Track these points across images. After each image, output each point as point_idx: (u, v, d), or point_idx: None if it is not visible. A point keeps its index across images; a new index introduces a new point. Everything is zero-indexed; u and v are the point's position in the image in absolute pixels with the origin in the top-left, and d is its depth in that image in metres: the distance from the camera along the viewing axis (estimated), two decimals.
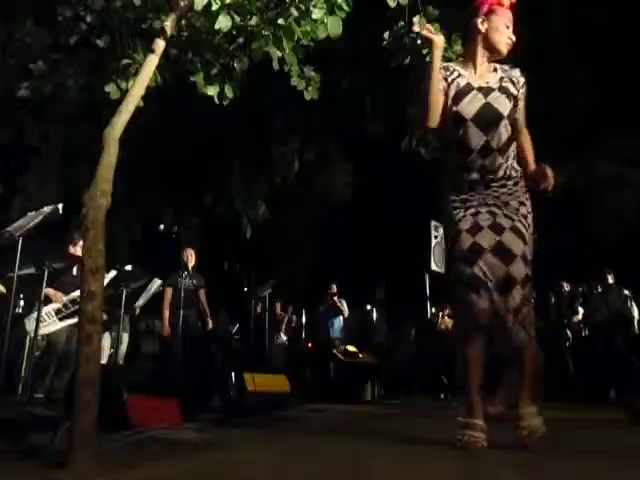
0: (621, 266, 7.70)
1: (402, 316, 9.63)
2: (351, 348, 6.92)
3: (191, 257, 5.60)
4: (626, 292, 7.14)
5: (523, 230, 2.31)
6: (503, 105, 2.34)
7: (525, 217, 2.36)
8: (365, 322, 8.71)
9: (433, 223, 8.34)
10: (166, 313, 5.49)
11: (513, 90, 2.38)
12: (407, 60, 3.73)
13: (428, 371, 8.69)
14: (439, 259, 8.28)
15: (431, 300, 9.00)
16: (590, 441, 2.69)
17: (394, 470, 1.89)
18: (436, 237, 8.30)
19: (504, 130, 2.35)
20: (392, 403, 6.56)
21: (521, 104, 2.43)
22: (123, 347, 6.06)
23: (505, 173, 2.38)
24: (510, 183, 2.38)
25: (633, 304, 7.09)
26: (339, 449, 2.47)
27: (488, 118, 2.32)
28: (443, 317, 9.24)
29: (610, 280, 7.26)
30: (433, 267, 8.17)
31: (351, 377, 6.48)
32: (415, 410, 5.35)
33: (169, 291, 5.50)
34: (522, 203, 2.38)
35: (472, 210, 2.37)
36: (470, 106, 2.34)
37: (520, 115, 2.44)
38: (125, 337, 6.08)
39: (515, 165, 2.42)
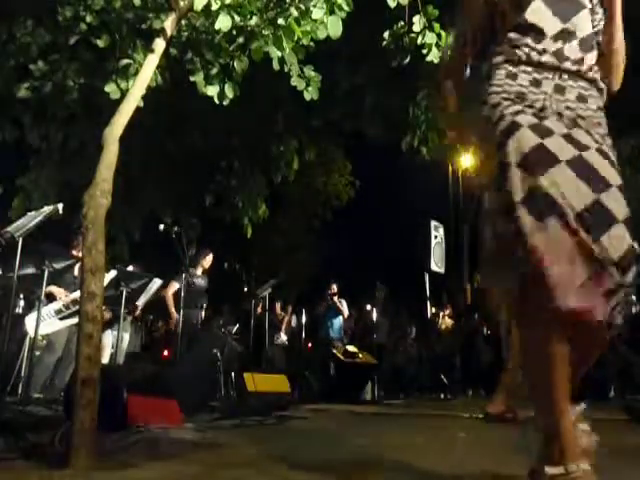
0: None
1: (402, 316, 9.64)
2: (351, 348, 6.92)
3: (209, 259, 5.90)
4: None
5: (614, 161, 1.50)
6: None
7: (613, 151, 1.54)
8: (365, 322, 8.71)
9: (433, 223, 8.34)
10: (170, 300, 5.67)
11: None
12: (407, 60, 3.73)
13: (428, 371, 8.70)
14: (439, 259, 8.29)
15: (431, 300, 9.00)
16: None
17: (394, 470, 1.89)
18: (436, 237, 8.31)
19: (585, 23, 1.65)
20: (392, 403, 6.56)
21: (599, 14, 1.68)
22: (124, 346, 6.07)
23: (590, 71, 1.62)
24: (593, 99, 1.61)
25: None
26: (339, 449, 2.47)
27: (563, 4, 1.63)
28: (443, 317, 9.25)
29: None
30: (433, 267, 8.17)
31: (351, 377, 6.47)
32: (415, 410, 5.35)
33: (175, 284, 5.66)
34: (607, 135, 1.58)
35: (533, 111, 1.52)
36: None
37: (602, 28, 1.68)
38: (126, 337, 6.08)
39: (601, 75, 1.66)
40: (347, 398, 6.04)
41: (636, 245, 1.38)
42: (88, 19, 3.64)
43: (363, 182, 10.86)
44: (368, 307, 8.82)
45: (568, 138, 1.47)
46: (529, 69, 1.60)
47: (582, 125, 1.52)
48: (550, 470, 1.30)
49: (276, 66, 3.30)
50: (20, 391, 4.25)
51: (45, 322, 4.42)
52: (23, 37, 4.07)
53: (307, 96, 3.52)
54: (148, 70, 2.53)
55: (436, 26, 3.47)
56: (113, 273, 4.71)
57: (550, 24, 1.63)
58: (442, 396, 7.77)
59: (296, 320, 8.86)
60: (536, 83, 1.58)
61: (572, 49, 1.62)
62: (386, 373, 7.90)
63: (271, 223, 9.69)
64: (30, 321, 4.37)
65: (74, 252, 4.80)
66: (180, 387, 3.56)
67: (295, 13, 3.01)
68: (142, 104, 2.79)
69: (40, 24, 4.07)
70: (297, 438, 2.92)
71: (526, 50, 1.62)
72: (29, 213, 3.81)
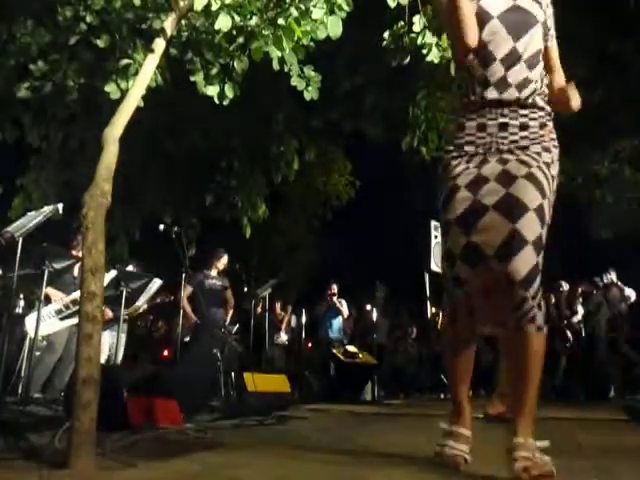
0: (621, 266, 7.70)
1: (402, 316, 9.64)
2: (351, 348, 6.92)
3: (223, 260, 6.09)
4: (627, 291, 7.14)
5: (542, 179, 1.77)
6: (535, 8, 1.87)
7: (548, 166, 1.81)
8: (365, 322, 8.72)
9: (433, 223, 8.33)
10: (187, 306, 5.78)
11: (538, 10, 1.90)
12: (407, 60, 3.73)
13: (428, 371, 8.70)
14: (439, 259, 8.28)
15: (431, 300, 8.99)
16: (591, 441, 2.68)
17: (394, 470, 1.89)
18: (436, 237, 8.30)
19: (535, 40, 1.86)
20: (392, 403, 6.56)
21: (551, 30, 1.96)
22: (121, 348, 6.07)
23: (531, 96, 1.84)
24: (535, 122, 1.84)
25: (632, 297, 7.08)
26: (339, 449, 2.47)
27: (517, 21, 1.84)
28: (443, 317, 9.23)
29: (611, 279, 7.25)
30: (433, 267, 8.16)
31: (351, 377, 6.47)
32: (415, 410, 5.35)
33: (189, 288, 5.78)
34: (547, 149, 1.83)
35: (478, 159, 1.84)
36: (497, 2, 1.86)
37: (552, 43, 1.96)
38: (123, 338, 6.09)
39: (545, 95, 1.89)
40: (347, 398, 6.04)
41: (540, 260, 1.72)
42: (88, 19, 3.65)
43: (363, 182, 10.86)
44: (368, 307, 8.82)
45: (501, 177, 1.78)
46: (474, 116, 1.88)
47: (519, 154, 1.81)
48: (445, 427, 1.98)
49: (276, 66, 3.30)
50: (20, 391, 4.25)
51: (45, 322, 4.41)
52: (23, 37, 4.07)
53: (307, 96, 3.52)
54: (148, 70, 2.53)
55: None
56: (113, 273, 4.71)
57: (502, 45, 1.83)
58: (442, 396, 7.77)
59: (296, 320, 8.86)
60: (482, 128, 1.86)
61: (517, 71, 1.83)
62: (386, 373, 7.90)
63: (271, 223, 9.67)
64: (30, 321, 4.37)
65: (74, 252, 4.80)
66: (180, 387, 3.56)
67: (295, 13, 3.01)
68: (142, 104, 2.79)
69: (40, 24, 4.07)
70: (297, 438, 2.92)
71: (473, 87, 1.87)
72: (29, 213, 3.81)
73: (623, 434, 3.20)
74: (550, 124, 1.89)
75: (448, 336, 2.04)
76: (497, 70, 1.83)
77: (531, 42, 1.85)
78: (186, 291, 5.73)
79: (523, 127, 1.83)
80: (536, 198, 1.73)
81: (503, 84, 1.82)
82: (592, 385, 7.00)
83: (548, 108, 1.89)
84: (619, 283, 7.29)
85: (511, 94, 1.82)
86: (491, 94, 1.83)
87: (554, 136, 1.89)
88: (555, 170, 1.85)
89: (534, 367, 1.72)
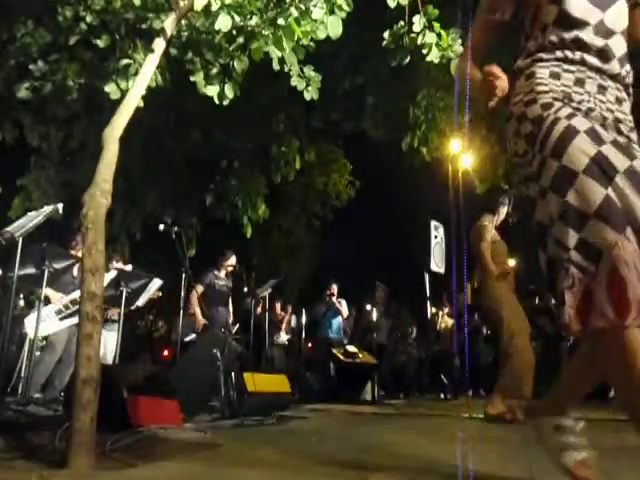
0: None
1: (403, 316, 9.63)
2: (351, 348, 6.91)
3: (232, 262, 6.14)
4: None
5: None
6: None
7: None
8: (365, 322, 8.72)
9: (433, 223, 8.34)
10: (197, 307, 5.81)
11: None
12: (407, 60, 3.73)
13: (428, 371, 8.70)
14: (439, 259, 8.28)
15: (431, 300, 8.99)
16: (591, 441, 2.68)
17: (394, 470, 1.89)
18: (436, 237, 8.30)
19: (624, 12, 1.63)
20: (392, 403, 6.56)
21: None
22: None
23: (628, 77, 1.63)
24: (626, 103, 1.61)
25: None
26: (339, 449, 2.47)
27: None
28: (443, 316, 9.24)
29: None
30: (433, 267, 8.16)
31: (351, 377, 6.47)
32: (415, 410, 5.35)
33: (200, 288, 5.81)
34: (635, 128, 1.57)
35: (581, 113, 1.51)
36: None
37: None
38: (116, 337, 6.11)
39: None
40: (347, 398, 6.03)
41: None
42: (88, 19, 3.64)
43: (363, 182, 10.86)
44: (368, 307, 8.82)
45: (616, 144, 1.44)
46: (572, 68, 1.59)
47: (623, 130, 1.53)
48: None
49: (276, 66, 3.30)
50: (20, 391, 4.25)
51: (45, 322, 4.41)
52: (23, 37, 4.07)
53: (307, 96, 3.52)
54: (148, 70, 2.53)
55: (436, 26, 3.46)
56: (113, 273, 4.71)
57: (591, 16, 1.59)
58: (442, 396, 7.77)
59: (296, 320, 8.86)
60: (580, 83, 1.57)
61: (612, 46, 1.59)
62: (386, 373, 7.89)
63: (271, 223, 9.68)
64: (30, 321, 4.37)
65: (74, 252, 4.80)
66: (180, 387, 3.56)
67: (295, 13, 3.01)
68: (142, 104, 2.79)
69: (40, 24, 4.07)
70: (297, 438, 2.92)
71: (568, 48, 1.60)
72: (29, 213, 3.81)
73: (623, 434, 3.20)
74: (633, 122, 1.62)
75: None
76: (592, 40, 1.58)
77: (618, 17, 1.61)
78: (199, 291, 5.77)
79: (619, 101, 1.59)
80: None
81: (602, 55, 1.59)
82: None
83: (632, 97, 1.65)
84: None
85: (613, 67, 1.59)
86: (592, 60, 1.58)
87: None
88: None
89: None
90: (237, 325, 7.12)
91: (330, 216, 11.56)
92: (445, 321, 9.20)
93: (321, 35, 3.16)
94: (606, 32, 1.59)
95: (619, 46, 1.61)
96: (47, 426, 2.54)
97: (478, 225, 4.29)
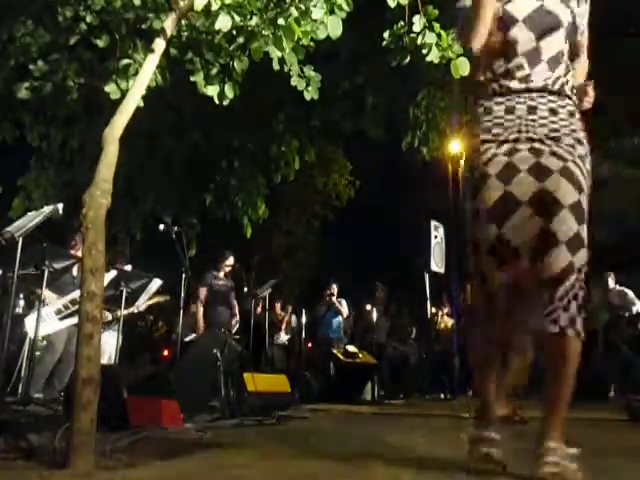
0: (621, 267, 7.69)
1: (403, 316, 9.63)
2: (351, 348, 6.91)
3: (229, 262, 6.15)
4: (627, 291, 7.13)
5: (578, 174, 1.71)
6: (562, 13, 1.85)
7: (582, 159, 1.75)
8: (365, 322, 8.71)
9: (433, 223, 8.33)
10: (200, 311, 5.85)
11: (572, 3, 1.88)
12: (407, 60, 3.73)
13: (428, 371, 8.69)
14: (439, 259, 8.27)
15: (431, 300, 9.00)
16: (591, 440, 2.68)
17: (394, 470, 1.89)
18: (436, 237, 8.30)
19: (560, 41, 1.85)
20: (392, 403, 6.55)
21: (582, 27, 1.93)
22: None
23: (559, 87, 1.81)
24: (563, 109, 1.79)
25: (636, 303, 7.06)
26: (339, 449, 2.47)
27: (543, 23, 1.82)
28: (442, 316, 9.24)
29: (610, 282, 7.25)
30: (433, 267, 8.16)
31: (351, 377, 6.47)
32: (415, 410, 5.35)
33: (203, 291, 5.86)
34: (579, 141, 1.77)
35: (507, 147, 1.77)
36: (522, 3, 1.85)
37: (582, 38, 1.95)
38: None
39: (572, 88, 1.86)
40: (347, 398, 6.03)
41: (576, 259, 1.65)
42: (88, 19, 3.64)
43: (363, 182, 10.86)
44: (368, 307, 8.81)
45: (534, 169, 1.72)
46: (501, 100, 1.82)
47: (551, 145, 1.74)
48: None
49: (276, 66, 3.29)
50: (20, 391, 4.25)
51: (45, 322, 4.41)
52: (23, 37, 4.07)
53: (307, 96, 3.52)
54: (148, 70, 2.53)
55: (436, 26, 3.46)
56: (113, 273, 4.71)
57: (526, 44, 1.81)
58: (442, 396, 7.77)
59: (296, 320, 8.86)
60: (510, 111, 1.80)
61: (540, 70, 1.81)
62: (386, 373, 7.89)
63: (271, 223, 9.67)
64: (30, 321, 4.37)
65: (74, 252, 4.80)
66: (180, 387, 3.56)
67: (295, 13, 3.00)
68: (142, 104, 2.79)
69: (40, 24, 4.07)
70: (297, 438, 2.92)
71: (498, 79, 1.84)
72: (29, 213, 3.81)
73: (623, 434, 3.20)
74: (578, 115, 1.83)
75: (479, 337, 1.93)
76: (520, 65, 1.81)
77: (552, 43, 1.83)
78: (202, 293, 5.81)
79: (553, 112, 1.78)
80: (572, 194, 1.68)
81: (527, 77, 1.80)
82: (592, 385, 7.00)
83: (575, 99, 1.85)
84: (616, 287, 7.27)
85: (537, 83, 1.79)
86: (517, 85, 1.81)
87: (581, 126, 1.82)
88: (589, 165, 1.78)
89: (563, 370, 1.68)
90: (237, 325, 7.12)
91: (330, 216, 11.56)
92: (445, 321, 9.20)
93: (321, 35, 3.15)
94: (535, 58, 1.81)
95: (540, 59, 1.81)
96: (47, 426, 2.54)
97: None
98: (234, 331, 6.30)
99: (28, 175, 6.88)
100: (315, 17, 3.02)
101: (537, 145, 1.74)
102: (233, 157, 7.71)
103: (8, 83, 4.26)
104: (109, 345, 5.17)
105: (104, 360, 4.90)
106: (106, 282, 3.89)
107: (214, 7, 2.82)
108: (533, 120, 1.76)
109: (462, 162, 8.00)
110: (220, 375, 4.06)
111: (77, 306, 3.79)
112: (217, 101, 3.39)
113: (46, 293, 4.49)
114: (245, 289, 7.80)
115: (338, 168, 10.58)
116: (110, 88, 3.39)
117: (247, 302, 7.10)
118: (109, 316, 5.25)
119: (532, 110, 1.78)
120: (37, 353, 4.45)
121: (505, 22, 1.84)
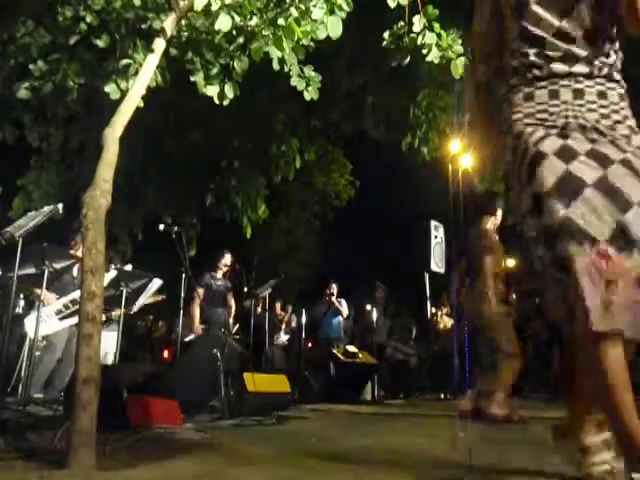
0: None
1: (403, 316, 9.63)
2: (351, 348, 6.91)
3: (227, 261, 6.14)
4: None
5: (638, 166, 1.47)
6: None
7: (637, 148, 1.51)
8: (365, 322, 8.71)
9: (433, 223, 8.34)
10: (197, 312, 5.83)
11: None
12: (407, 60, 3.73)
13: (428, 371, 8.69)
14: (439, 259, 8.28)
15: (431, 300, 9.00)
16: None
17: (394, 470, 1.89)
18: (436, 237, 8.30)
19: (589, 13, 1.60)
20: (392, 403, 6.56)
21: None
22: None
23: (604, 69, 1.60)
24: (613, 92, 1.59)
25: None
26: (339, 449, 2.47)
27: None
28: (442, 316, 9.24)
29: None
30: (433, 267, 8.16)
31: (351, 377, 6.47)
32: (415, 410, 5.35)
33: (201, 291, 5.83)
34: (633, 129, 1.55)
35: (556, 131, 1.55)
36: None
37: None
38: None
39: (620, 71, 1.64)
40: (347, 398, 6.03)
41: None
42: (88, 19, 3.64)
43: (363, 182, 10.86)
44: (368, 307, 8.81)
45: (592, 154, 1.49)
46: (543, 84, 1.62)
47: (605, 132, 1.53)
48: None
49: (276, 66, 3.29)
50: (20, 391, 4.25)
51: (45, 322, 4.41)
52: (23, 37, 4.07)
53: (307, 96, 3.52)
54: (148, 70, 2.53)
55: (436, 26, 3.46)
56: (113, 273, 4.71)
57: (548, 26, 1.62)
58: (442, 396, 7.77)
59: (296, 320, 8.86)
60: (554, 95, 1.60)
61: (578, 47, 1.60)
62: (386, 373, 7.89)
63: (271, 223, 9.67)
64: (30, 322, 4.37)
65: (74, 252, 4.80)
66: (180, 387, 3.56)
67: (295, 13, 3.01)
68: (142, 104, 2.79)
69: (40, 24, 4.07)
70: (297, 438, 2.92)
71: (534, 63, 1.64)
72: (29, 213, 3.81)
73: None
74: (626, 97, 1.61)
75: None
76: (553, 43, 1.61)
77: (580, 17, 1.60)
78: (200, 294, 5.78)
79: (601, 95, 1.57)
80: (638, 187, 1.44)
81: (569, 58, 1.60)
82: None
83: (624, 84, 1.63)
84: None
85: (581, 68, 1.60)
86: (559, 67, 1.61)
87: (629, 112, 1.60)
88: None
89: None
90: (237, 325, 7.12)
91: (330, 216, 11.56)
92: (445, 321, 9.19)
93: (321, 35, 3.16)
94: (566, 36, 1.60)
95: (584, 41, 1.60)
96: (47, 426, 2.54)
97: (480, 228, 4.26)
98: (234, 331, 6.31)
99: (28, 175, 6.88)
100: (315, 17, 3.03)
101: (589, 134, 1.53)
102: (233, 157, 7.71)
103: (8, 83, 4.26)
104: (109, 345, 5.17)
105: (104, 360, 4.90)
106: (106, 282, 3.91)
107: (214, 7, 2.83)
108: (580, 105, 1.57)
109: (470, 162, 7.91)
110: (220, 375, 4.06)
111: (77, 306, 3.80)
112: (217, 101, 3.40)
113: (45, 293, 4.49)
114: (245, 289, 7.80)
115: (338, 168, 10.58)
116: (110, 88, 3.39)
117: (247, 302, 7.10)
118: (103, 317, 5.25)
119: (579, 94, 1.58)
120: (37, 353, 4.44)
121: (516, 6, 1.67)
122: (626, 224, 1.41)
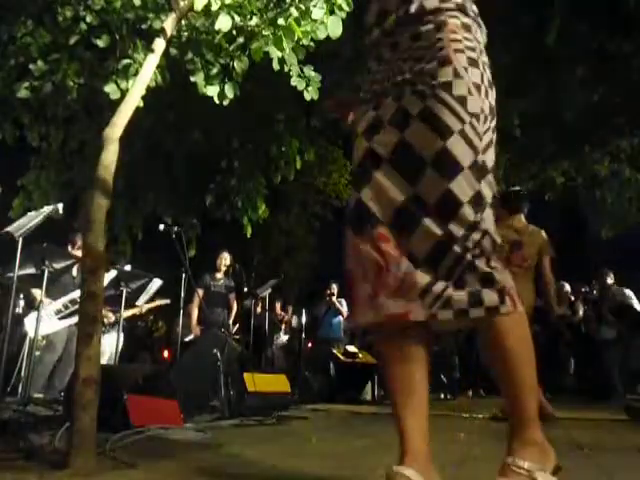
0: (620, 266, 7.70)
1: None
2: (351, 348, 6.92)
3: (225, 261, 6.13)
4: (626, 291, 7.13)
5: (440, 111, 1.26)
6: None
7: (448, 87, 1.27)
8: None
9: None
10: (195, 312, 5.84)
11: None
12: None
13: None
14: None
15: None
16: (591, 441, 2.68)
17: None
18: None
19: None
20: None
21: None
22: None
23: (419, 6, 1.37)
24: (428, 25, 1.35)
25: (634, 302, 7.05)
26: (339, 449, 2.47)
27: None
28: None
29: (609, 280, 7.25)
30: None
31: (351, 377, 6.47)
32: None
33: (200, 292, 5.82)
34: (443, 62, 1.29)
35: (376, 100, 1.42)
36: None
37: None
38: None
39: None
40: (347, 398, 6.03)
41: (441, 232, 1.25)
42: (88, 19, 3.64)
43: None
44: None
45: (395, 116, 1.33)
46: (372, 53, 1.51)
47: (414, 80, 1.33)
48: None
49: (276, 66, 3.30)
50: (20, 391, 4.25)
51: (45, 322, 4.41)
52: (23, 37, 4.07)
53: (307, 96, 3.53)
54: (148, 70, 2.53)
55: None
56: (113, 273, 4.71)
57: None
58: (442, 396, 7.77)
59: (296, 320, 8.86)
60: (379, 58, 1.47)
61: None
62: None
63: (271, 223, 9.67)
64: (30, 321, 4.37)
65: (74, 252, 4.80)
66: (180, 387, 3.56)
67: (295, 13, 3.01)
68: (142, 104, 2.79)
69: (40, 24, 4.07)
70: (297, 438, 2.92)
71: (369, 27, 1.51)
72: (29, 213, 3.81)
73: (623, 434, 3.20)
74: (453, 21, 1.34)
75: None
76: (372, 9, 1.49)
77: None
78: (199, 295, 5.78)
79: (415, 37, 1.36)
80: (434, 144, 1.25)
81: (381, 16, 1.45)
82: (592, 385, 7.01)
83: (450, 4, 1.36)
84: (614, 287, 7.27)
85: (390, 20, 1.42)
86: (375, 33, 1.48)
87: (458, 36, 1.32)
88: (463, 87, 1.27)
89: (508, 358, 1.32)
90: (237, 325, 7.11)
91: (330, 216, 11.56)
92: None
93: (321, 35, 3.16)
94: None
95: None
96: (47, 426, 2.54)
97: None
98: (234, 331, 6.31)
99: (28, 175, 6.88)
100: (315, 17, 3.03)
101: (401, 87, 1.35)
102: (233, 157, 7.71)
103: (8, 83, 4.26)
104: (109, 345, 5.17)
105: (104, 360, 4.90)
106: (106, 282, 3.91)
107: (214, 7, 2.83)
108: (398, 59, 1.39)
109: None
110: (220, 375, 4.07)
111: (77, 306, 3.80)
112: (217, 101, 3.40)
113: (40, 296, 4.49)
114: (245, 289, 7.80)
115: (338, 168, 10.59)
116: (110, 88, 3.39)
117: (247, 302, 7.10)
118: (112, 317, 5.26)
119: (394, 47, 1.41)
120: (37, 353, 4.45)
121: None
122: (418, 195, 1.29)
